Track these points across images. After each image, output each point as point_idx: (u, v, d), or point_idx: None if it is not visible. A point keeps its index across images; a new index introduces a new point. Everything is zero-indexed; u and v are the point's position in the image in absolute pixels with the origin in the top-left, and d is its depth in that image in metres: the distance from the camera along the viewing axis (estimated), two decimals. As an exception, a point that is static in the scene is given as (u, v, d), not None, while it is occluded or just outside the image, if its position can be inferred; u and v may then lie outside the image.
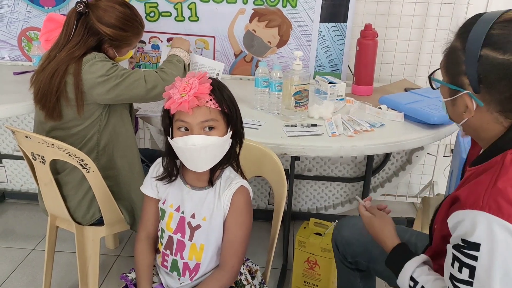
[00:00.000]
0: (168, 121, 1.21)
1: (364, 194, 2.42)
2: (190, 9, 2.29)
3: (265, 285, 1.41)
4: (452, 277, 0.95)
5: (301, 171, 2.50)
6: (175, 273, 1.29)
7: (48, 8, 2.35)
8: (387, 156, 2.46)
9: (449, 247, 0.97)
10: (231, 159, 1.27)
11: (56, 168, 1.67)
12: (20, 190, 2.76)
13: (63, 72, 1.56)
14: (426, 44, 2.34)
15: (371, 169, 2.38)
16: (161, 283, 1.32)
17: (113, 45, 1.66)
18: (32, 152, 1.60)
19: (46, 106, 1.59)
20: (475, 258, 0.90)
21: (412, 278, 1.07)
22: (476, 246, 0.89)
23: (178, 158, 1.25)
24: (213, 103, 1.16)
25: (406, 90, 2.12)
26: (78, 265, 1.75)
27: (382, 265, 1.36)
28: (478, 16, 0.96)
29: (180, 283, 1.28)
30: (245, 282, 1.33)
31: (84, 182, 1.63)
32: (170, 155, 1.25)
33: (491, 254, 0.88)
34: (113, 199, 1.66)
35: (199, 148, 1.16)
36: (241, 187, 1.25)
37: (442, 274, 1.03)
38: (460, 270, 0.93)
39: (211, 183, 1.25)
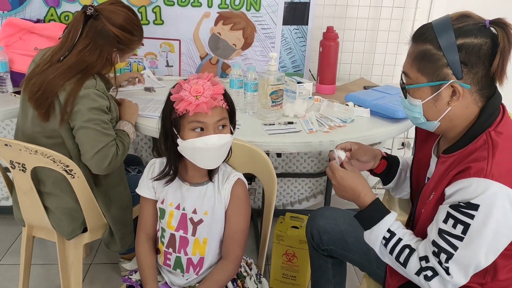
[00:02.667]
0: (170, 124, 1.23)
1: (328, 188, 2.55)
2: (155, 12, 2.30)
3: (261, 276, 1.47)
4: (443, 232, 1.07)
5: (267, 169, 2.58)
6: (178, 270, 1.32)
7: (3, 12, 2.25)
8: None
9: (443, 207, 1.08)
10: (229, 155, 1.33)
11: (38, 184, 1.64)
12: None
13: (68, 78, 1.54)
14: (380, 45, 2.51)
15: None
16: (165, 282, 1.34)
17: (119, 48, 1.66)
18: (11, 160, 1.55)
19: (41, 106, 1.55)
20: (471, 217, 1.02)
21: (389, 230, 1.16)
22: (475, 207, 1.02)
23: (180, 158, 1.27)
24: (224, 102, 1.21)
25: (365, 87, 2.27)
26: (61, 274, 1.71)
27: (356, 252, 1.48)
28: (428, 24, 1.13)
29: (186, 279, 1.31)
30: (245, 274, 1.39)
31: (65, 200, 1.62)
32: (173, 155, 1.28)
33: (488, 215, 1.01)
34: (98, 205, 1.64)
35: (219, 147, 1.21)
36: (239, 179, 1.32)
37: None
38: (454, 226, 1.05)
39: (210, 178, 1.30)
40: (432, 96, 1.12)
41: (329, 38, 2.21)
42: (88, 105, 1.54)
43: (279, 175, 2.61)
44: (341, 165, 1.30)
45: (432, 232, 1.11)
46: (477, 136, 1.10)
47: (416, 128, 1.37)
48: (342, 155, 1.32)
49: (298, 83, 2.04)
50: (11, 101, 1.97)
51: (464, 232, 1.04)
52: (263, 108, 1.85)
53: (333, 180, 1.28)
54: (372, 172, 1.48)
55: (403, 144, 2.81)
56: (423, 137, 1.35)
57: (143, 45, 2.08)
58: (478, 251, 1.04)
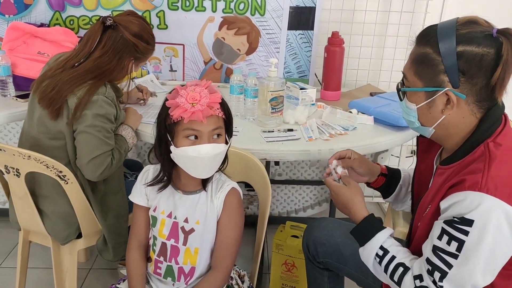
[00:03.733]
0: (165, 130, 1.21)
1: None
2: (159, 17, 2.29)
3: (253, 289, 1.43)
4: (437, 249, 1.02)
5: (271, 176, 2.55)
6: (169, 279, 1.29)
7: (9, 16, 2.27)
8: (354, 159, 2.55)
9: (438, 223, 1.03)
10: (224, 163, 1.29)
11: (34, 186, 1.63)
12: (-22, 206, 2.63)
13: (81, 83, 1.55)
14: (387, 50, 2.45)
15: (339, 171, 2.46)
16: (153, 291, 1.31)
17: (136, 57, 1.70)
18: (5, 165, 1.54)
19: (53, 104, 1.55)
20: (466, 233, 0.97)
21: (382, 247, 1.13)
22: (469, 222, 0.96)
23: (174, 165, 1.25)
24: (220, 111, 1.18)
25: (371, 94, 2.22)
26: (55, 279, 1.70)
27: (352, 266, 1.43)
28: (433, 26, 1.08)
29: (175, 288, 1.29)
30: (236, 287, 1.35)
31: (62, 205, 1.61)
32: (167, 162, 1.25)
33: (483, 231, 0.96)
34: (93, 211, 1.63)
35: (212, 156, 1.18)
36: (233, 189, 1.28)
37: None
38: (448, 243, 1.00)
39: (204, 187, 1.27)
40: (426, 102, 1.08)
41: (334, 44, 2.17)
42: (95, 111, 1.54)
43: (283, 182, 2.57)
44: (340, 179, 1.29)
45: (427, 249, 1.06)
46: (475, 148, 1.05)
47: (418, 138, 1.32)
48: (339, 170, 1.31)
49: (301, 89, 2.00)
50: (13, 105, 1.97)
51: (459, 249, 0.99)
52: (263, 115, 1.82)
53: (331, 196, 1.28)
54: (369, 185, 1.44)
55: (412, 152, 2.74)
56: (424, 147, 1.31)
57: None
58: (474, 270, 0.99)
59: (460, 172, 1.05)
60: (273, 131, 1.77)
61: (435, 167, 1.24)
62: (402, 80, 1.15)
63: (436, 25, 1.07)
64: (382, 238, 1.14)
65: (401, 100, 1.16)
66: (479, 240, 0.97)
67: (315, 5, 2.27)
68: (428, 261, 1.04)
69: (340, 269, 1.47)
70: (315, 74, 2.39)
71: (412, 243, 1.19)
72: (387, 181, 1.43)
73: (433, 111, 1.08)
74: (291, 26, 2.31)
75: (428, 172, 1.27)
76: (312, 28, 2.32)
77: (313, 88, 2.04)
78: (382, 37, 2.43)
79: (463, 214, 0.98)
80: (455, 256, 1.00)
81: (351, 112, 1.95)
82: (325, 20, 2.35)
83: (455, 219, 0.99)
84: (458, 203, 0.99)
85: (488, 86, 1.02)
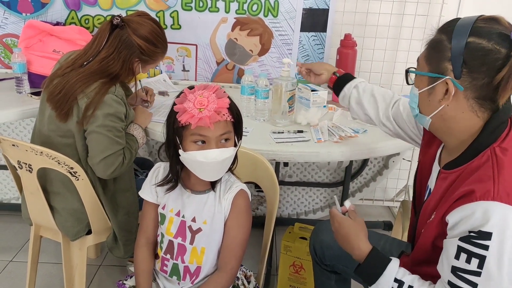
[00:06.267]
0: (173, 133, 1.21)
1: (343, 198, 2.48)
2: (173, 17, 2.31)
3: (259, 289, 1.43)
4: (457, 269, 0.96)
5: (281, 177, 2.55)
6: (174, 277, 1.30)
7: (26, 14, 2.31)
8: (365, 162, 2.54)
9: (451, 241, 0.98)
10: (234, 163, 1.30)
11: (45, 182, 1.65)
12: (-7, 201, 2.68)
13: (90, 83, 1.56)
14: (401, 53, 2.43)
15: (350, 174, 2.45)
16: (159, 289, 1.32)
17: (142, 59, 1.69)
18: (18, 161, 1.57)
19: (61, 107, 1.57)
20: (485, 248, 0.92)
21: (396, 280, 1.07)
22: (487, 236, 0.91)
23: (183, 166, 1.26)
24: (228, 116, 1.18)
25: (383, 97, 2.20)
26: (65, 274, 1.72)
27: None
28: (457, 18, 1.05)
29: (181, 287, 1.29)
30: (242, 287, 1.35)
31: (72, 201, 1.63)
32: (175, 164, 1.26)
33: (502, 242, 0.91)
34: (103, 208, 1.65)
35: (220, 161, 1.18)
36: (241, 190, 1.28)
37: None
38: (468, 261, 0.94)
39: (212, 187, 1.27)
40: (427, 88, 1.06)
41: (347, 46, 2.16)
42: (105, 110, 1.56)
43: (293, 184, 2.57)
44: (345, 213, 1.25)
45: (444, 271, 1.01)
46: (481, 152, 1.02)
47: (424, 130, 1.30)
48: (347, 204, 1.27)
49: (313, 90, 2.00)
50: (27, 101, 2.01)
51: (481, 266, 0.93)
52: (275, 114, 1.82)
53: (332, 226, 1.24)
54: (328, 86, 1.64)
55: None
56: (427, 140, 1.27)
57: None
58: (500, 283, 0.94)
59: (465, 179, 1.01)
60: (282, 132, 1.78)
61: (435, 163, 1.20)
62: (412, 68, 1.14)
63: (460, 18, 1.06)
64: (394, 269, 1.09)
65: (407, 82, 1.14)
66: (500, 252, 0.92)
67: (329, 7, 2.27)
68: (451, 284, 0.98)
69: (347, 272, 1.46)
70: (327, 76, 2.38)
71: (415, 249, 1.16)
72: (338, 81, 1.60)
73: (432, 99, 1.06)
74: (304, 28, 2.31)
75: (428, 168, 1.23)
76: (325, 30, 2.32)
77: (325, 90, 2.03)
78: (395, 40, 2.41)
79: (479, 227, 0.93)
80: (477, 274, 0.94)
81: (362, 114, 1.94)
82: (338, 22, 2.34)
83: (472, 234, 0.94)
84: (470, 216, 0.95)
85: (490, 85, 0.98)
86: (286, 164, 1.96)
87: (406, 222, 1.95)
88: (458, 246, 0.96)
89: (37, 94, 2.02)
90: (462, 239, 0.96)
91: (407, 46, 2.41)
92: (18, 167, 1.59)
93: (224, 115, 1.17)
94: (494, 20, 1.01)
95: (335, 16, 2.30)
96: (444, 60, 1.02)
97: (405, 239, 1.86)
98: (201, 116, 1.13)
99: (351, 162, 2.39)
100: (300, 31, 2.32)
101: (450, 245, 0.99)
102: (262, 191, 2.42)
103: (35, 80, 2.10)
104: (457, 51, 0.99)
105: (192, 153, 1.18)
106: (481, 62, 0.98)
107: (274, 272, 2.19)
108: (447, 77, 1.01)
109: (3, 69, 2.40)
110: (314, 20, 2.30)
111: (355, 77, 1.60)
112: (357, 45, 2.18)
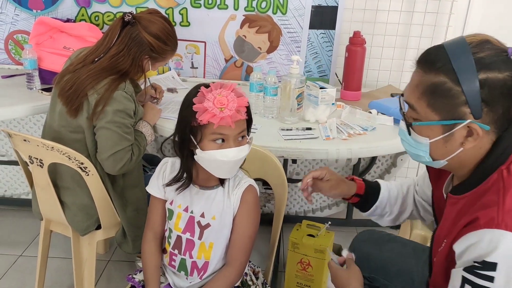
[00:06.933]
0: (189, 132, 1.20)
1: (351, 196, 2.48)
2: (182, 14, 2.32)
3: (267, 286, 1.44)
4: None
5: (289, 175, 2.55)
6: (182, 272, 1.31)
7: (36, 11, 2.33)
8: (373, 160, 2.53)
9: (457, 271, 0.93)
10: (244, 160, 1.30)
11: (56, 177, 1.67)
12: (4, 196, 2.70)
13: (100, 79, 1.58)
14: (410, 51, 2.42)
15: (358, 172, 2.45)
16: (169, 284, 1.33)
17: (152, 57, 1.70)
18: (29, 156, 1.58)
19: (71, 103, 1.59)
20: (491, 279, 0.87)
21: None
22: (492, 266, 0.86)
23: (193, 165, 1.26)
24: (245, 114, 1.20)
25: (392, 95, 2.20)
26: (74, 269, 1.74)
27: (399, 283, 1.36)
28: (441, 49, 0.95)
29: (189, 282, 1.30)
30: (250, 283, 1.36)
31: (82, 196, 1.65)
32: (188, 163, 1.26)
33: (509, 272, 0.86)
34: (112, 204, 1.66)
35: (239, 160, 1.20)
36: (250, 186, 1.29)
37: None
38: None
39: (221, 183, 1.28)
40: (443, 136, 0.96)
41: (356, 43, 2.15)
42: (114, 106, 1.57)
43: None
44: (343, 263, 1.25)
45: None
46: (489, 175, 0.95)
47: (427, 167, 1.21)
48: (344, 253, 1.27)
49: (321, 88, 2.00)
50: (38, 97, 2.02)
51: None
52: (283, 111, 1.83)
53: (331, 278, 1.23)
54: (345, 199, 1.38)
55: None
56: (435, 175, 1.20)
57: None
58: None
59: (472, 205, 0.95)
60: (291, 129, 1.78)
61: (445, 195, 1.14)
62: (401, 107, 1.03)
63: (442, 47, 0.95)
64: None
65: (409, 134, 1.02)
66: (507, 284, 0.87)
67: (338, 4, 2.26)
68: None
69: (386, 286, 1.40)
70: (336, 73, 2.38)
71: (432, 276, 1.12)
72: (360, 202, 1.36)
73: (450, 144, 0.97)
74: (313, 25, 2.31)
75: (441, 200, 1.17)
76: (333, 28, 2.32)
77: (333, 88, 2.03)
78: (405, 37, 2.40)
79: (483, 257, 0.87)
80: None
81: (370, 112, 1.94)
82: (347, 19, 2.33)
83: (476, 264, 0.89)
84: (474, 244, 0.89)
85: (506, 113, 0.93)
86: (294, 161, 1.97)
87: (414, 220, 1.94)
88: (463, 277, 0.91)
89: (47, 90, 2.04)
90: (466, 269, 0.91)
91: (416, 43, 2.40)
92: (29, 162, 1.61)
93: (243, 113, 1.18)
94: (485, 42, 0.93)
95: (344, 13, 2.29)
96: (458, 105, 0.92)
97: (413, 238, 1.85)
98: (222, 116, 1.14)
99: (359, 160, 2.39)
100: (309, 28, 2.31)
101: (456, 275, 0.94)
102: (269, 188, 2.42)
103: (45, 76, 2.12)
104: (473, 93, 0.90)
105: (212, 152, 1.18)
106: (499, 95, 0.91)
107: (282, 268, 2.20)
108: (469, 120, 0.93)
109: (14, 66, 2.42)
110: (323, 17, 2.30)
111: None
112: (366, 42, 2.17)
